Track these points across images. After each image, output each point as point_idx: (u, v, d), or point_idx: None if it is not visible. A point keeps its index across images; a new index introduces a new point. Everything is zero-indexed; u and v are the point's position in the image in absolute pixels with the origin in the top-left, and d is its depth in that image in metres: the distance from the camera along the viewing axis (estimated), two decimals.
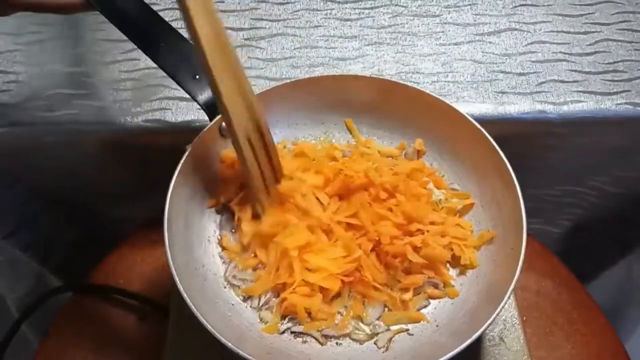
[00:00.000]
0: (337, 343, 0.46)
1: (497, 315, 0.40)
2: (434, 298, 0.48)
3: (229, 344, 0.40)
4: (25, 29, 0.66)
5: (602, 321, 0.64)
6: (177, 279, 0.42)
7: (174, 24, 0.50)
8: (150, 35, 0.49)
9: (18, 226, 0.69)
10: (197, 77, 0.49)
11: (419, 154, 0.55)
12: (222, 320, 0.45)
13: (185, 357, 0.51)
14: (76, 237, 0.76)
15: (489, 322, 0.40)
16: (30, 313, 0.61)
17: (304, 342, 0.46)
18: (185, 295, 0.41)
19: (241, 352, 0.39)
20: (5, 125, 0.59)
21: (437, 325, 0.46)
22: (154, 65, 0.49)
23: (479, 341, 0.51)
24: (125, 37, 0.49)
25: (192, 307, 0.41)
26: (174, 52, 0.49)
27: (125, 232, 0.69)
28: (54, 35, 0.66)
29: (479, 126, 0.50)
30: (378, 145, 0.56)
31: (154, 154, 0.59)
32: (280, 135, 0.56)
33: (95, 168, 0.65)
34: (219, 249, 0.51)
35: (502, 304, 0.40)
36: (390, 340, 0.45)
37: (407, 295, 0.47)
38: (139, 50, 0.49)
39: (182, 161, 0.48)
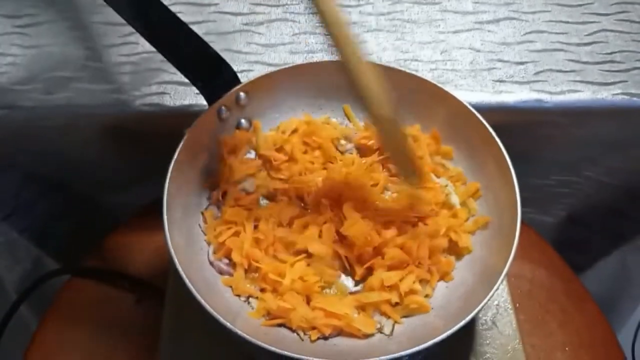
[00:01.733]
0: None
1: (490, 298, 0.41)
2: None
3: (227, 324, 0.40)
4: (22, 12, 0.65)
5: (595, 311, 0.64)
6: (175, 260, 0.42)
7: (173, 8, 0.49)
8: (148, 18, 0.49)
9: (15, 209, 0.69)
10: (196, 61, 0.49)
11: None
12: (220, 301, 0.45)
13: (182, 338, 0.51)
14: (74, 221, 0.77)
15: (482, 304, 0.40)
16: (28, 295, 0.61)
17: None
18: (183, 275, 0.42)
19: (239, 332, 0.40)
20: (2, 108, 0.59)
21: (432, 308, 0.47)
22: (153, 49, 0.49)
23: (472, 325, 0.52)
24: (123, 21, 0.49)
25: (189, 285, 0.41)
26: (172, 36, 0.49)
27: (124, 216, 0.69)
28: (52, 17, 0.65)
29: (476, 113, 0.51)
30: None
31: (152, 138, 0.59)
32: (279, 121, 0.56)
33: (92, 152, 0.65)
34: None
35: (495, 287, 0.41)
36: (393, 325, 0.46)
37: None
38: (138, 34, 0.49)
39: (180, 145, 0.48)
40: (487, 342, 0.51)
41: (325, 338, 0.45)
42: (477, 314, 0.41)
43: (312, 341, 0.44)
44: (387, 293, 0.46)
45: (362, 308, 0.46)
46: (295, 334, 0.45)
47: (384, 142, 0.49)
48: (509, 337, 0.51)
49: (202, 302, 0.41)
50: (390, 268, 0.47)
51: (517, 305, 0.61)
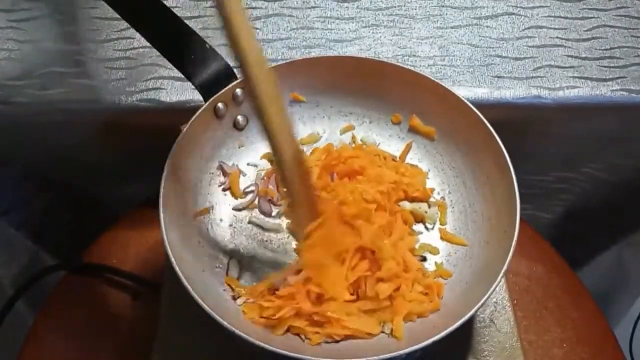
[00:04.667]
0: None
1: (489, 296, 0.41)
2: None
3: (224, 322, 0.40)
4: (18, 6, 0.65)
5: (592, 306, 0.64)
6: (171, 256, 0.42)
7: (169, 3, 0.49)
8: (144, 13, 0.49)
9: (12, 205, 0.69)
10: (192, 57, 0.49)
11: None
12: (217, 298, 0.45)
13: (178, 335, 0.51)
14: (70, 217, 0.76)
15: (481, 302, 0.40)
16: (24, 291, 0.61)
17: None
18: (179, 271, 0.41)
19: (236, 331, 0.39)
20: None
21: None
22: (149, 44, 0.48)
23: (470, 322, 0.52)
24: (119, 16, 0.48)
25: (184, 282, 0.41)
26: (169, 32, 0.49)
27: (120, 211, 0.69)
28: (48, 12, 0.65)
29: (475, 109, 0.50)
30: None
31: (148, 134, 0.59)
32: None
33: (88, 147, 0.65)
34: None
35: (494, 285, 0.41)
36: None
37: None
38: (134, 29, 0.49)
39: (177, 141, 0.48)
40: (485, 339, 0.51)
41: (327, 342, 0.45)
42: (476, 312, 0.41)
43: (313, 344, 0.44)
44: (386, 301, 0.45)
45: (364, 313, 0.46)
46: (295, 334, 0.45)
47: (285, 184, 0.46)
48: (506, 334, 0.51)
49: (199, 300, 0.41)
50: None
51: (515, 301, 0.61)
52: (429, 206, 0.53)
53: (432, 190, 0.54)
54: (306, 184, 0.46)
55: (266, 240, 0.52)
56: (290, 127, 0.44)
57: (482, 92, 0.61)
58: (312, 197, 0.47)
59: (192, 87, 0.50)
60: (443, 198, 0.54)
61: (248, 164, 0.55)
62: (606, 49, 0.64)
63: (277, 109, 0.43)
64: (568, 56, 0.64)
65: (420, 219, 0.53)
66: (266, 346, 0.39)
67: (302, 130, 0.57)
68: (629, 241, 0.78)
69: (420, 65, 0.63)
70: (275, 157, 0.45)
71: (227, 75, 0.51)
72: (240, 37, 0.40)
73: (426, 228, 0.52)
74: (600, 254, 0.82)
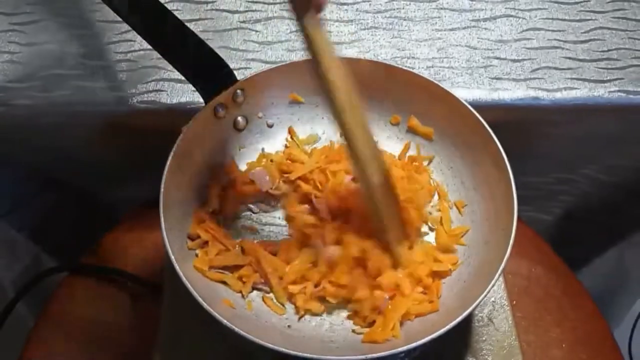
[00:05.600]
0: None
1: (487, 294, 0.41)
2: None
3: (225, 321, 0.40)
4: (20, 9, 0.65)
5: (592, 307, 0.64)
6: (172, 257, 0.43)
7: (170, 6, 0.50)
8: (144, 16, 0.49)
9: (13, 207, 0.69)
10: (193, 59, 0.49)
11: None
12: (218, 298, 0.46)
13: (179, 336, 0.51)
14: (72, 218, 0.77)
15: (479, 300, 0.40)
16: (26, 292, 0.61)
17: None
18: (180, 272, 0.42)
19: (236, 329, 0.40)
20: None
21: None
22: (150, 47, 0.49)
23: (468, 321, 0.52)
24: (120, 19, 0.49)
25: (186, 283, 0.41)
26: (169, 34, 0.49)
27: (121, 213, 0.69)
28: (49, 15, 0.65)
29: (473, 111, 0.51)
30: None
31: (149, 136, 0.59)
32: (275, 117, 0.56)
33: (90, 149, 0.65)
34: None
35: (492, 283, 0.41)
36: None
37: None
38: (135, 32, 0.49)
39: (177, 142, 0.48)
40: (483, 338, 0.52)
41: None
42: (474, 309, 0.41)
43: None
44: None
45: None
46: (295, 334, 0.45)
47: (373, 209, 0.48)
48: (505, 333, 0.51)
49: (200, 300, 0.41)
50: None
51: (514, 302, 0.61)
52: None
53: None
54: (395, 208, 0.48)
55: (265, 238, 0.52)
56: (378, 151, 0.46)
57: (481, 94, 0.61)
58: (400, 219, 0.49)
59: (193, 89, 0.51)
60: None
61: (247, 164, 0.56)
62: (604, 51, 0.65)
63: (366, 138, 0.45)
64: (566, 58, 0.64)
65: (425, 220, 0.53)
66: (267, 344, 0.39)
67: (302, 131, 0.57)
68: (628, 242, 0.78)
69: (419, 67, 0.63)
70: (363, 184, 0.47)
71: (226, 76, 0.51)
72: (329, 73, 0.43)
73: (430, 229, 0.53)
74: (599, 255, 0.82)
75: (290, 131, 0.57)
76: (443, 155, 0.55)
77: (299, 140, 0.57)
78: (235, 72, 0.52)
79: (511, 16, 0.67)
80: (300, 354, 0.39)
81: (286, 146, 0.57)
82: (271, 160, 0.55)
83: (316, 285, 0.47)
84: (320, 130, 0.58)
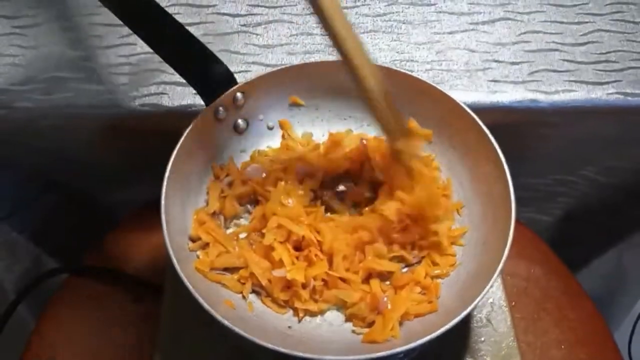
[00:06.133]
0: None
1: (486, 294, 0.41)
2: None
3: (226, 322, 0.40)
4: (21, 12, 0.66)
5: (591, 308, 0.65)
6: (173, 258, 0.43)
7: (171, 9, 0.50)
8: (145, 20, 0.49)
9: (15, 208, 0.69)
10: (194, 62, 0.49)
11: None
12: (219, 299, 0.46)
13: (180, 336, 0.51)
14: (73, 220, 0.77)
15: (477, 300, 0.41)
16: (27, 294, 0.62)
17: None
18: (181, 273, 0.42)
19: (237, 330, 0.40)
20: (1, 108, 0.60)
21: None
22: (151, 50, 0.49)
23: (466, 322, 0.53)
24: (121, 22, 0.49)
25: (187, 283, 0.42)
26: (170, 38, 0.49)
27: (122, 214, 0.69)
28: (51, 18, 0.66)
29: (472, 113, 0.51)
30: None
31: (151, 138, 0.59)
32: (276, 119, 0.57)
33: (92, 152, 0.66)
34: None
35: (490, 283, 0.41)
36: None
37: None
38: (136, 35, 0.50)
39: (178, 145, 0.49)
40: (482, 339, 0.52)
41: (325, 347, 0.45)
42: (472, 310, 0.41)
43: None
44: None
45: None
46: (295, 335, 0.46)
47: (370, 104, 0.49)
48: (503, 334, 0.52)
49: (201, 300, 0.41)
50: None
51: (513, 303, 0.61)
52: None
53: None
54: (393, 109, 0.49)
55: None
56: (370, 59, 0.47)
57: (479, 96, 0.62)
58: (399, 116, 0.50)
59: (194, 92, 0.51)
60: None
61: (242, 164, 0.56)
62: (602, 53, 0.65)
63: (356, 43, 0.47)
64: (564, 60, 0.65)
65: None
66: (267, 345, 0.39)
67: (301, 133, 0.58)
68: (627, 243, 0.78)
69: (418, 70, 0.63)
70: (364, 92, 0.48)
71: (227, 79, 0.52)
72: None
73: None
74: (598, 256, 0.82)
75: (284, 124, 0.57)
76: (441, 158, 0.55)
77: (294, 135, 0.57)
78: (236, 75, 0.52)
79: (509, 19, 0.68)
80: (300, 354, 0.40)
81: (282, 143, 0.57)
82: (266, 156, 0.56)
83: (304, 287, 0.47)
84: (320, 133, 0.58)
